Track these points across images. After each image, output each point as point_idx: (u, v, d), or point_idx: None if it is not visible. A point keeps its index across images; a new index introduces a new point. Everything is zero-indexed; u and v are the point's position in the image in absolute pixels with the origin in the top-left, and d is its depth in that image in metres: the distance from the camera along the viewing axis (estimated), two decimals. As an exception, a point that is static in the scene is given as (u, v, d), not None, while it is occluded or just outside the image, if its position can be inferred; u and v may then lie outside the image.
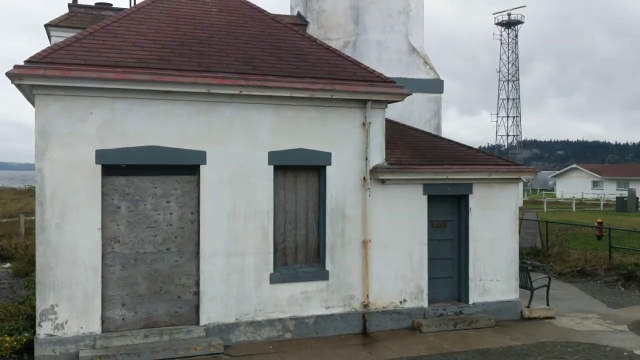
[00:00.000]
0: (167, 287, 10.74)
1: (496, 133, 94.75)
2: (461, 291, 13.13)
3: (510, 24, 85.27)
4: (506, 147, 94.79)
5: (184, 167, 10.81)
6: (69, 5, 14.99)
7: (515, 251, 13.43)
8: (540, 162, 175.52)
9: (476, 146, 16.54)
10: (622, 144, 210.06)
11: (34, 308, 10.65)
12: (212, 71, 10.84)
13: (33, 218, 11.03)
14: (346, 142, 11.89)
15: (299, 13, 18.12)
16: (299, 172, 11.79)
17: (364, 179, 11.94)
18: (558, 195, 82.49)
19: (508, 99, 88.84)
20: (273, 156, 11.31)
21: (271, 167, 11.32)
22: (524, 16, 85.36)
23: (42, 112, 9.79)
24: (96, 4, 15.56)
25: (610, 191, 79.07)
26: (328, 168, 11.77)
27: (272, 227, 11.34)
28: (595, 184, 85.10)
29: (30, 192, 49.43)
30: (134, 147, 10.28)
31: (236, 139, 11.04)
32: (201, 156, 10.78)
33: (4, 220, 29.61)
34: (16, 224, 25.86)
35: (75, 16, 14.33)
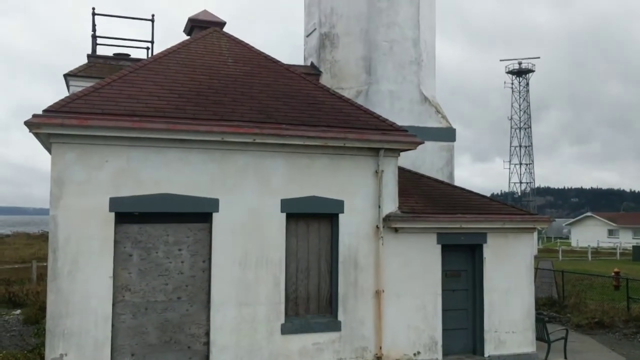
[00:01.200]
0: (177, 336, 10.60)
1: (509, 180, 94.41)
2: (476, 343, 12.84)
3: (521, 73, 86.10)
4: (519, 194, 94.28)
5: (197, 214, 10.83)
6: (88, 56, 15.37)
7: (531, 302, 13.17)
8: (554, 210, 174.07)
9: (489, 193, 16.45)
10: (637, 191, 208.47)
11: (42, 357, 10.52)
12: (226, 120, 10.97)
13: (45, 264, 11.02)
14: (359, 190, 11.88)
15: (312, 63, 18.43)
16: (312, 220, 11.75)
17: (377, 227, 11.87)
18: (573, 244, 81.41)
19: (520, 146, 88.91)
20: (286, 204, 11.31)
21: (284, 215, 11.30)
22: (534, 65, 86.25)
23: (59, 161, 9.91)
24: (114, 54, 15.95)
25: (627, 240, 77.93)
26: (341, 216, 11.74)
27: (283, 277, 11.24)
28: (610, 233, 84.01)
29: (43, 237, 49.64)
30: (147, 195, 10.34)
31: (249, 187, 11.08)
32: (214, 204, 10.80)
33: (17, 266, 29.66)
34: (28, 270, 25.87)
35: (93, 66, 14.68)
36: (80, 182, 9.98)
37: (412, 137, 12.22)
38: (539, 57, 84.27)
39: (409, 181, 13.76)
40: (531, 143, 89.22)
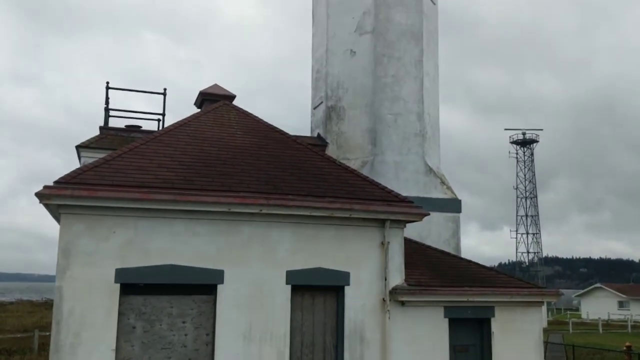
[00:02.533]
0: (178, 412, 10.32)
1: (516, 250, 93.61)
2: (487, 422, 12.41)
3: (525, 143, 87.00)
4: (527, 264, 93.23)
5: (202, 286, 10.77)
6: (101, 128, 15.74)
7: (542, 379, 12.82)
8: (562, 280, 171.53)
9: (497, 263, 16.36)
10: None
11: None
12: (233, 191, 11.10)
13: (48, 333, 10.91)
14: (365, 261, 11.84)
15: (319, 134, 18.77)
16: (317, 292, 11.65)
17: (383, 300, 11.75)
18: (583, 316, 79.68)
19: (527, 215, 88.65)
20: (291, 275, 11.26)
21: (289, 287, 11.23)
22: (538, 135, 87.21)
23: (67, 231, 9.99)
24: (126, 126, 16.34)
25: (637, 312, 76.28)
26: (346, 288, 11.64)
27: (288, 351, 11.04)
28: (621, 304, 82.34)
29: (46, 305, 49.10)
30: (153, 266, 10.34)
31: (254, 258, 11.07)
32: (219, 275, 10.77)
33: (19, 335, 29.21)
34: (30, 339, 25.46)
35: (105, 138, 15.02)
36: (87, 253, 10.01)
37: (417, 208, 12.28)
38: (542, 129, 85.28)
39: (415, 252, 13.71)
40: (537, 213, 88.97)
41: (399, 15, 18.27)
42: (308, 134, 19.73)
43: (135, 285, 10.34)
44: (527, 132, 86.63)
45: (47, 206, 10.23)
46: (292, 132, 14.67)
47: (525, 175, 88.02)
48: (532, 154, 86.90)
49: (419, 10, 18.45)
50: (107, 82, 16.06)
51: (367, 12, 18.26)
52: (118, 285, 10.11)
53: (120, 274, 10.12)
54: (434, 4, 19.60)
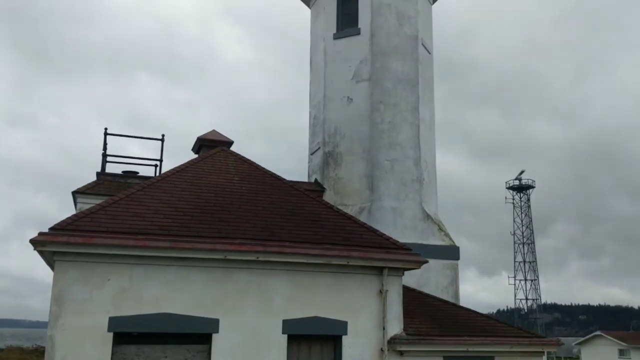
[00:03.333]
0: None
1: (515, 296, 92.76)
2: None
3: (521, 189, 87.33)
4: (526, 310, 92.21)
5: (196, 335, 10.56)
6: (98, 174, 15.73)
7: None
8: (562, 328, 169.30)
9: (495, 309, 16.14)
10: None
11: None
12: (230, 237, 11.02)
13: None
14: (363, 310, 11.66)
15: (316, 180, 18.79)
16: (314, 341, 11.43)
17: (382, 350, 11.52)
18: (584, 364, 78.32)
19: (524, 262, 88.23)
20: (287, 325, 11.06)
21: (285, 337, 11.01)
22: (534, 181, 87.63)
23: (60, 279, 9.85)
24: (123, 171, 16.33)
25: (639, 360, 75.04)
26: (344, 338, 11.42)
27: (284, 402, 10.75)
28: (621, 353, 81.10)
29: (37, 352, 48.06)
30: (147, 315, 10.15)
31: (250, 306, 10.89)
32: (214, 324, 10.57)
33: (6, 384, 28.47)
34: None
35: (102, 184, 14.99)
36: (80, 301, 9.84)
37: (416, 256, 12.18)
38: (534, 181, 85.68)
39: (414, 301, 13.53)
40: (535, 259, 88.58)
41: (395, 63, 18.55)
42: (305, 178, 19.77)
43: (128, 334, 10.13)
44: (522, 178, 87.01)
45: (41, 253, 10.11)
46: (288, 175, 14.70)
47: (522, 221, 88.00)
48: (528, 200, 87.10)
49: (414, 59, 18.75)
50: (106, 129, 16.16)
51: (364, 61, 18.55)
52: (111, 334, 9.90)
53: (114, 322, 9.93)
54: (429, 53, 19.94)
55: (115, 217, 10.69)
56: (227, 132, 15.80)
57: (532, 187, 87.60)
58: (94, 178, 15.71)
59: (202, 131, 15.74)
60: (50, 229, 9.89)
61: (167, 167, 16.92)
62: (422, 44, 19.26)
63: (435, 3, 21.09)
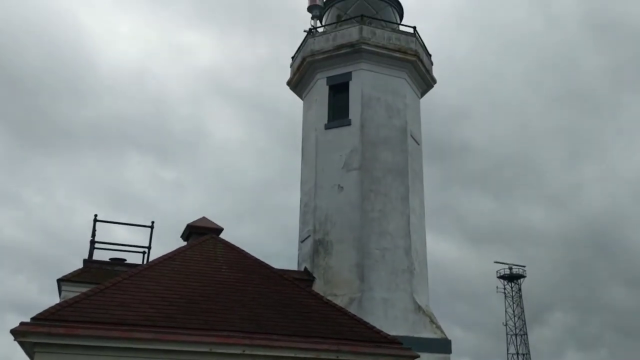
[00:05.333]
0: None
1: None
2: None
3: (512, 278, 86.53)
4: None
5: None
6: (84, 261, 15.53)
7: None
8: None
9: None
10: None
11: None
12: (216, 329, 10.76)
13: None
14: (352, 408, 11.21)
15: (305, 268, 18.60)
16: None
17: None
18: None
19: (517, 354, 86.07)
20: (274, 423, 10.58)
21: None
22: (525, 270, 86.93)
23: (39, 372, 9.48)
24: (110, 259, 16.14)
25: None
26: None
27: None
28: None
29: None
30: (127, 411, 9.71)
31: (236, 403, 10.46)
32: (197, 422, 10.10)
33: None
34: None
35: (88, 271, 14.78)
36: (58, 396, 9.42)
37: (407, 350, 11.90)
38: (525, 270, 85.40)
39: (405, 397, 13.05)
40: (528, 350, 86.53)
41: (384, 153, 18.90)
42: (294, 262, 19.57)
43: None
44: (514, 267, 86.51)
45: (21, 343, 9.79)
46: (277, 258, 14.62)
47: (514, 312, 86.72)
48: (519, 290, 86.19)
49: (403, 150, 19.13)
50: (95, 215, 16.12)
51: (354, 150, 18.89)
52: None
53: (91, 420, 9.47)
54: (418, 144, 20.39)
55: (99, 306, 10.46)
56: (215, 213, 15.89)
57: (523, 276, 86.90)
58: (77, 260, 15.55)
59: (190, 212, 15.88)
60: (32, 318, 9.64)
61: (155, 252, 16.77)
62: (411, 136, 19.72)
63: (424, 96, 21.80)
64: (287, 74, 22.10)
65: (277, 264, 14.15)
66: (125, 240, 17.01)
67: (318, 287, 17.28)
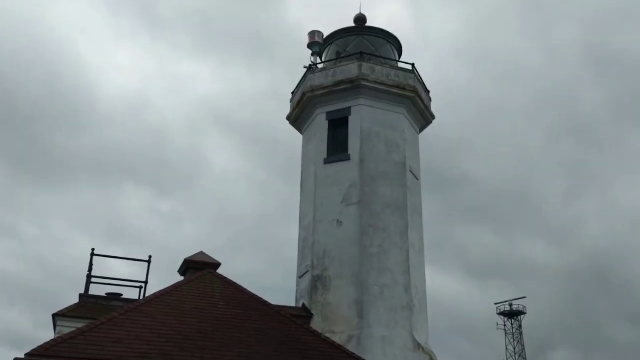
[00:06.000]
0: None
1: None
2: None
3: (512, 315, 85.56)
4: None
5: None
6: (80, 296, 15.38)
7: None
8: None
9: None
10: None
11: None
12: (213, 367, 10.57)
13: None
14: None
15: (304, 305, 18.39)
16: None
17: None
18: None
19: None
20: None
21: None
22: (525, 307, 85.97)
23: (30, 410, 9.28)
24: (107, 294, 16.00)
25: None
26: None
27: None
28: None
29: None
30: None
31: None
32: None
33: None
34: None
35: (84, 306, 14.62)
36: None
37: (406, 389, 11.67)
38: (525, 307, 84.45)
39: None
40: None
41: (383, 188, 18.89)
42: (291, 296, 19.37)
43: None
44: (514, 303, 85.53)
45: (13, 381, 9.61)
46: (274, 291, 14.48)
47: (515, 349, 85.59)
48: (520, 327, 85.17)
49: (402, 185, 19.13)
50: (93, 249, 16.04)
51: (354, 185, 18.88)
52: None
53: None
54: (417, 179, 20.41)
55: (94, 343, 10.32)
56: (213, 245, 15.87)
57: (523, 313, 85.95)
58: (72, 293, 15.39)
59: (188, 244, 15.73)
60: (27, 354, 9.50)
61: (152, 286, 16.62)
62: (410, 171, 19.76)
63: (423, 132, 21.92)
64: (286, 104, 22.34)
65: (275, 297, 14.03)
66: (122, 274, 16.94)
67: (316, 324, 17.06)
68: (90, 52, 76.32)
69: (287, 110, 22.09)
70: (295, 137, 22.37)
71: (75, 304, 14.79)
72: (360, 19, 22.66)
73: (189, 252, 15.79)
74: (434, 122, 22.01)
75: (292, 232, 20.90)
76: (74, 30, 74.65)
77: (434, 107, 21.89)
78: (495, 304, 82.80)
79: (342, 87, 19.79)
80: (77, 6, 74.07)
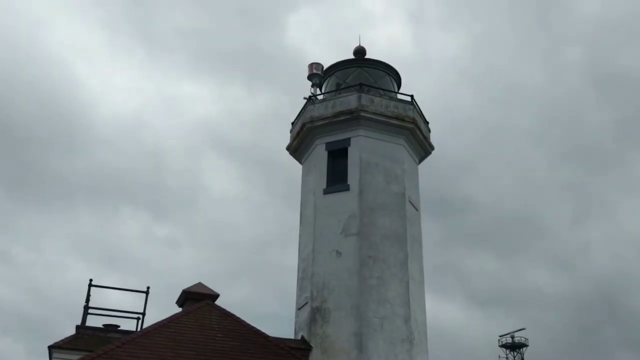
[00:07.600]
0: None
1: None
2: None
3: (514, 347, 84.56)
4: None
5: None
6: (77, 327, 15.23)
7: None
8: None
9: None
10: None
11: None
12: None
13: None
14: None
15: (302, 337, 18.20)
16: None
17: None
18: None
19: None
20: None
21: None
22: (527, 339, 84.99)
23: None
24: (104, 325, 15.84)
25: None
26: None
27: None
28: None
29: None
30: None
31: None
32: None
33: None
34: None
35: (81, 338, 14.46)
36: None
37: None
38: (524, 329, 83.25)
39: None
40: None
41: (382, 219, 18.86)
42: (290, 324, 19.18)
43: None
44: (515, 335, 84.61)
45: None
46: (273, 320, 14.37)
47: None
48: (522, 359, 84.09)
49: (402, 216, 19.11)
50: (90, 280, 15.95)
51: (353, 216, 18.86)
52: None
53: None
54: (417, 210, 20.40)
55: (89, 376, 10.18)
56: (211, 270, 15.74)
57: (525, 345, 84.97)
58: (66, 321, 15.29)
59: (186, 270, 15.64)
60: (19, 388, 9.34)
61: (150, 316, 16.47)
62: (409, 201, 19.76)
63: (422, 163, 22.00)
64: (286, 126, 22.57)
65: (274, 326, 13.90)
66: (119, 302, 16.84)
67: (315, 356, 16.87)
68: (87, 72, 76.02)
69: (286, 132, 22.28)
70: (294, 160, 22.46)
71: (72, 336, 14.62)
72: (360, 51, 22.94)
73: (187, 279, 15.76)
74: (436, 145, 22.09)
75: (291, 257, 20.81)
76: (70, 50, 74.54)
77: (435, 134, 22.04)
78: (500, 336, 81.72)
79: (341, 118, 19.93)
80: (74, 26, 74.11)
